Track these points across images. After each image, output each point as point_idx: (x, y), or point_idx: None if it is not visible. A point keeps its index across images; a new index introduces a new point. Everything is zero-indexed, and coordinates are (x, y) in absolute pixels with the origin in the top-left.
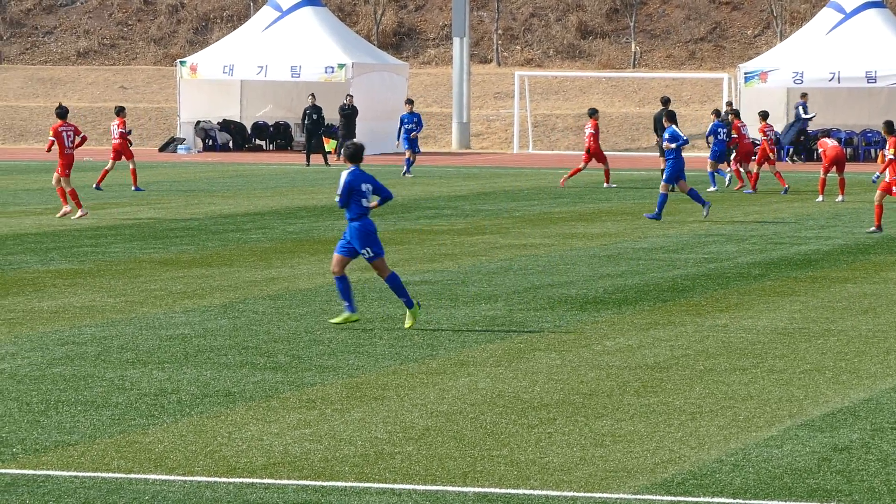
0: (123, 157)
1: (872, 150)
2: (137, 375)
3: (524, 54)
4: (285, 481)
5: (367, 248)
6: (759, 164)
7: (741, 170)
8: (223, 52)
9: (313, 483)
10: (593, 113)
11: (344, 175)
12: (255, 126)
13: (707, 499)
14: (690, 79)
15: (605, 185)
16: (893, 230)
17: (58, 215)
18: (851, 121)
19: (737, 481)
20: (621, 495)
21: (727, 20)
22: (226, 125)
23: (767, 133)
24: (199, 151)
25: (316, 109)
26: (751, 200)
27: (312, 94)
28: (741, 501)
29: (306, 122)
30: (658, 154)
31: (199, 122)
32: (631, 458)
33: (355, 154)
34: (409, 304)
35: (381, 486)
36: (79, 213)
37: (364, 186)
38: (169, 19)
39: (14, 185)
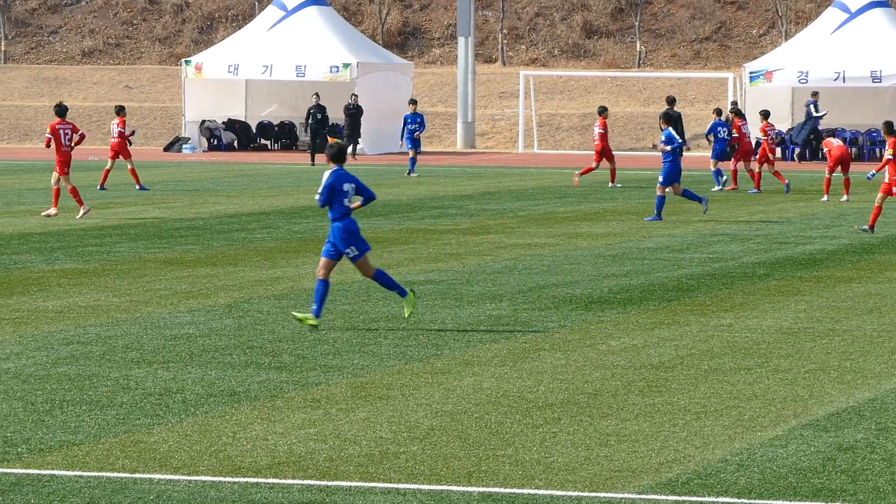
0: (121, 157)
1: (877, 150)
2: (142, 375)
3: (529, 54)
4: (290, 481)
5: (352, 248)
6: (760, 164)
7: (738, 170)
8: (228, 51)
9: (318, 483)
10: (602, 111)
11: (326, 175)
12: (260, 125)
13: (712, 498)
14: (695, 78)
15: (609, 184)
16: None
17: (42, 213)
18: (856, 120)
19: (741, 481)
20: (626, 495)
21: (732, 20)
22: (231, 125)
23: (768, 132)
24: (203, 151)
25: (320, 109)
26: (755, 200)
27: (317, 94)
28: (746, 501)
29: (310, 121)
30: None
31: (203, 122)
32: (636, 458)
33: (339, 154)
34: (403, 293)
35: (386, 485)
36: (81, 211)
37: (346, 186)
38: (174, 19)
39: (19, 185)
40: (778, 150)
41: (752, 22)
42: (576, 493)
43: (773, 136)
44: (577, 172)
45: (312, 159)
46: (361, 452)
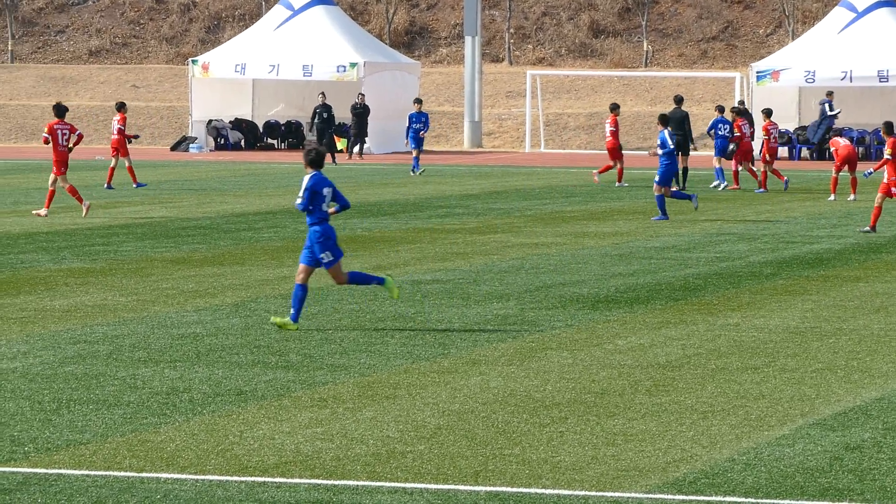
0: (119, 154)
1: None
2: (149, 374)
3: (536, 53)
4: (297, 480)
5: (327, 252)
6: (765, 163)
7: (738, 171)
8: (235, 50)
9: (325, 482)
10: (614, 108)
11: (306, 179)
12: (267, 125)
13: (719, 498)
14: (702, 78)
15: (617, 183)
16: None
17: (33, 212)
18: (863, 120)
19: (748, 480)
20: (633, 494)
21: (739, 19)
22: (237, 124)
23: (770, 131)
24: (210, 150)
25: (326, 108)
26: (762, 199)
27: (322, 93)
28: (753, 500)
29: (316, 120)
30: None
31: (210, 121)
32: (643, 457)
33: (317, 159)
34: (381, 281)
35: (393, 484)
36: (84, 209)
37: (325, 191)
38: (181, 18)
39: (26, 184)
40: (785, 150)
41: (759, 21)
42: (583, 493)
43: (776, 135)
44: (594, 171)
45: None
46: (368, 452)
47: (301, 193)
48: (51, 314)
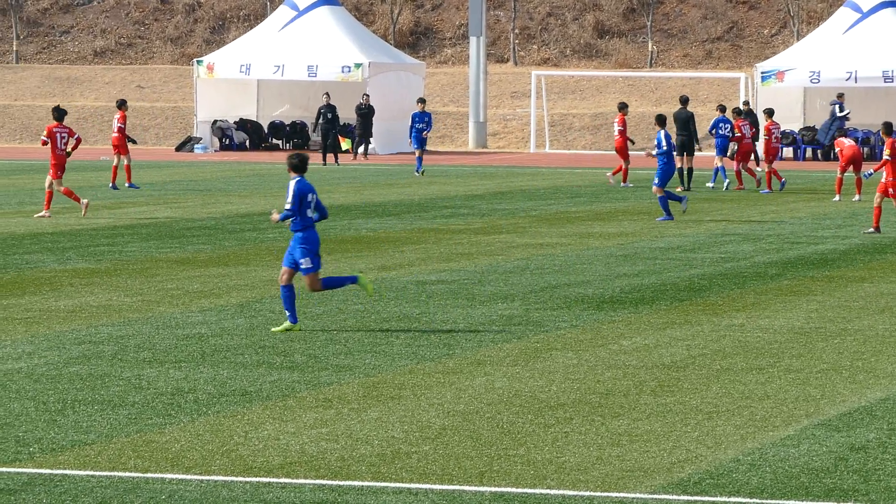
0: (119, 152)
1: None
2: (154, 375)
3: (541, 54)
4: (302, 480)
5: (307, 259)
6: (769, 162)
7: (739, 170)
8: (240, 51)
9: (330, 482)
10: (622, 107)
11: (293, 184)
12: (272, 125)
13: (724, 498)
14: (707, 78)
15: (622, 184)
16: None
17: (35, 216)
18: (868, 120)
19: (753, 481)
20: (638, 495)
21: (744, 19)
22: (242, 124)
23: (772, 131)
24: (215, 151)
25: (330, 108)
26: (767, 200)
27: (327, 94)
28: (758, 501)
29: (321, 121)
30: (675, 153)
31: (215, 122)
32: (647, 458)
33: (301, 164)
34: (355, 280)
35: (398, 485)
36: (82, 208)
37: (310, 197)
38: (186, 18)
39: (31, 185)
40: (790, 150)
41: (764, 22)
42: (588, 493)
43: (777, 136)
44: (609, 173)
45: (324, 159)
46: (373, 452)
47: (290, 199)
48: (56, 315)
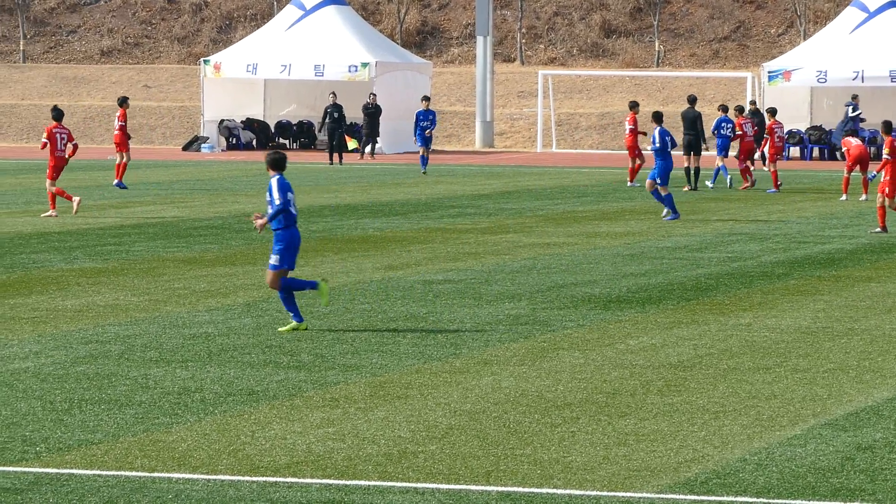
0: (119, 150)
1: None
2: (161, 374)
3: (548, 53)
4: (309, 480)
5: (278, 257)
6: (773, 162)
7: (746, 168)
8: (247, 50)
9: (337, 482)
10: (633, 106)
11: (275, 182)
12: (279, 125)
13: (730, 498)
14: (714, 78)
15: (628, 183)
16: None
17: (42, 215)
18: (875, 119)
19: (760, 480)
20: (645, 494)
21: (751, 19)
22: (249, 124)
23: (775, 130)
24: (222, 150)
25: (337, 108)
26: (774, 200)
27: (333, 93)
28: (765, 500)
29: (327, 120)
30: (682, 153)
31: (222, 121)
32: (654, 458)
33: (279, 161)
34: (315, 285)
35: (405, 484)
36: (74, 206)
37: (289, 195)
38: (192, 18)
39: (38, 184)
40: (797, 150)
41: (771, 21)
42: (594, 493)
43: (781, 135)
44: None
45: (330, 159)
46: (380, 452)
47: (277, 195)
48: (63, 314)
